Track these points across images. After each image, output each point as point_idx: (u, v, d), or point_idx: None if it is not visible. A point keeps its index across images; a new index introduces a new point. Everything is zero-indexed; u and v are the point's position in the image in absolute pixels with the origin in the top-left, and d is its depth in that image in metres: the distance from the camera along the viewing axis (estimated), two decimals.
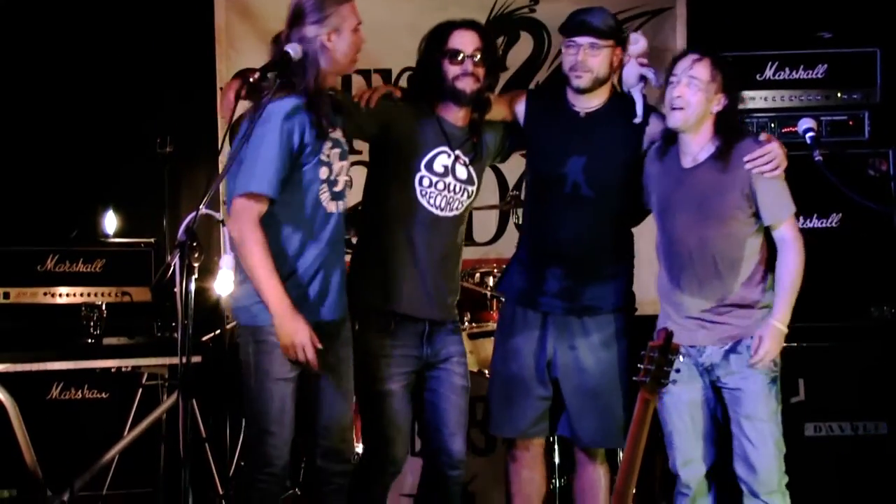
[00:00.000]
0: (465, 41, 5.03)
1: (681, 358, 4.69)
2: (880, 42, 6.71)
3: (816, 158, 4.70)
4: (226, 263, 4.58)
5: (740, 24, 7.48)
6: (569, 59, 5.14)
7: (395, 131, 5.04)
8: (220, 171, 4.48)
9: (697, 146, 4.93)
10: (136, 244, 6.97)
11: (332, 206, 4.73)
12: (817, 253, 4.94)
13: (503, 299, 5.90)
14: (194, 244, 4.20)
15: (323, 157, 4.67)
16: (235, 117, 4.90)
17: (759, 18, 7.53)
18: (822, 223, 6.35)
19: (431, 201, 5.06)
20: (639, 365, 4.54)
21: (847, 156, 6.27)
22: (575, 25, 5.12)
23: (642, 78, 5.20)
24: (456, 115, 5.13)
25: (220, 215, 5.77)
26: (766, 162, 4.80)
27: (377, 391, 5.06)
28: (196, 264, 4.22)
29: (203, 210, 4.22)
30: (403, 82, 6.95)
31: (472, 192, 5.18)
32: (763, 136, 4.91)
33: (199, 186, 7.59)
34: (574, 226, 5.18)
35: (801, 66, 6.67)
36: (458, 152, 5.12)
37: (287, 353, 4.58)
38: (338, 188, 4.76)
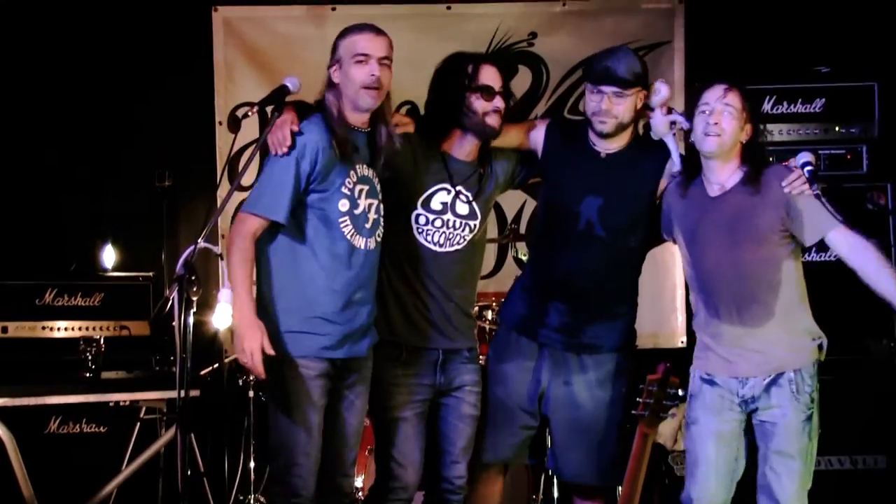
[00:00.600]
0: (493, 77, 5.04)
1: (679, 392, 4.70)
2: (878, 76, 6.75)
3: (815, 192, 4.69)
4: (224, 297, 4.59)
5: (738, 59, 7.50)
6: (592, 105, 5.10)
7: (396, 167, 5.03)
8: (219, 204, 4.50)
9: (726, 174, 4.91)
10: (134, 278, 6.97)
11: (358, 242, 4.76)
12: (816, 287, 4.93)
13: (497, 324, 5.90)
14: (193, 278, 4.21)
15: (344, 190, 4.71)
16: (235, 150, 4.93)
17: (758, 52, 7.55)
18: (820, 257, 6.35)
19: (429, 238, 5.06)
20: (637, 399, 4.54)
21: (845, 190, 6.28)
22: (600, 73, 5.06)
23: (672, 124, 5.15)
24: (466, 150, 5.13)
25: (218, 249, 5.78)
26: (803, 182, 4.76)
27: (390, 418, 5.07)
28: (194, 298, 4.24)
29: (201, 244, 4.24)
30: None
31: (475, 226, 5.16)
32: (793, 165, 4.86)
33: (198, 220, 7.60)
34: (583, 263, 5.15)
35: (800, 100, 6.70)
36: (459, 188, 5.11)
37: (239, 357, 4.61)
38: (368, 224, 4.79)
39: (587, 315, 5.17)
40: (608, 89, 5.03)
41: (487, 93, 5.00)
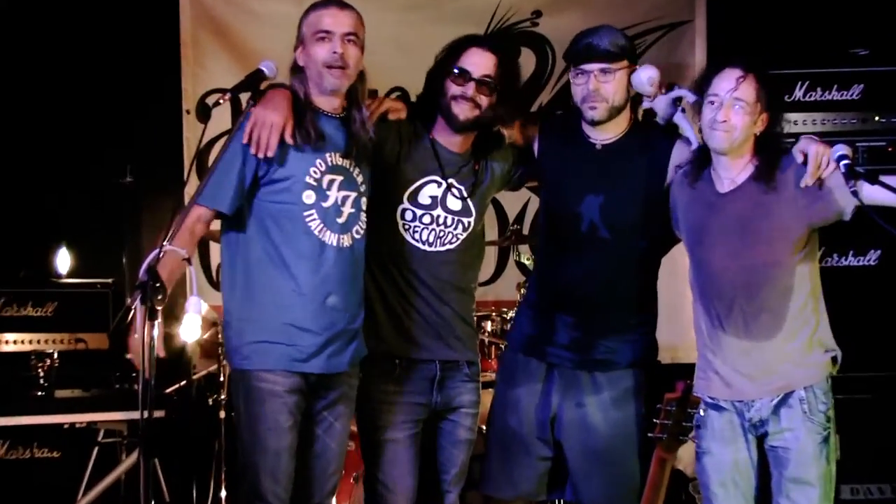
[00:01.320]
0: (476, 61, 4.99)
1: (702, 412, 4.69)
2: None
3: (851, 189, 4.67)
4: (192, 307, 4.57)
5: (766, 40, 7.51)
6: (579, 90, 5.10)
7: (383, 156, 5.03)
8: (186, 202, 4.49)
9: (737, 169, 4.88)
10: (91, 285, 6.98)
11: (329, 238, 4.73)
12: (854, 294, 4.93)
13: (503, 346, 5.88)
14: (157, 285, 4.20)
15: (309, 180, 4.69)
16: (204, 142, 4.94)
17: (788, 33, 7.57)
18: (858, 261, 6.36)
19: (417, 236, 5.04)
20: (654, 420, 4.54)
21: (885, 187, 6.27)
22: (581, 51, 5.08)
23: (676, 101, 5.12)
24: (455, 141, 5.10)
25: (185, 252, 5.78)
26: (818, 167, 4.72)
27: (379, 439, 5.04)
28: (159, 307, 4.22)
29: (167, 247, 4.23)
30: None
31: (470, 223, 5.12)
32: (799, 157, 4.79)
33: (163, 220, 7.53)
34: (589, 270, 5.12)
35: (835, 87, 6.71)
36: (451, 181, 5.09)
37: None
38: (340, 219, 4.76)
39: (598, 328, 5.14)
40: (593, 66, 5.02)
41: (459, 75, 4.96)
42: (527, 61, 8.00)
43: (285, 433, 4.68)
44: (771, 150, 4.86)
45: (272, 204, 4.69)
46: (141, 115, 7.77)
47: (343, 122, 4.83)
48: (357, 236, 4.82)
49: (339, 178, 4.77)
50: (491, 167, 5.22)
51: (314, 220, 4.70)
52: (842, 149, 4.79)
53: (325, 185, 4.72)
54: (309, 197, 4.69)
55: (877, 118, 6.62)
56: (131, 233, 7.32)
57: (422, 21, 7.69)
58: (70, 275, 7.25)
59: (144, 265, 4.18)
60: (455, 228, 5.09)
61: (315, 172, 4.70)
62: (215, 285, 7.94)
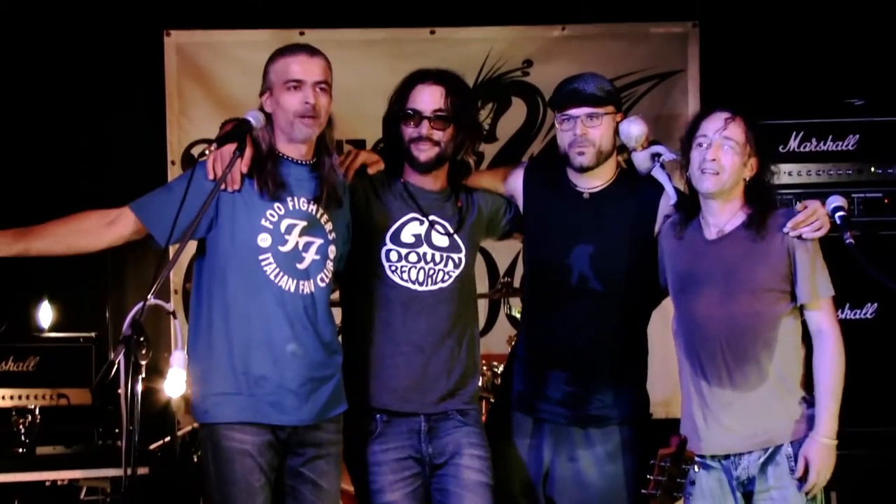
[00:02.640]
0: (425, 98, 4.98)
1: (696, 469, 4.68)
2: None
3: (847, 241, 4.63)
4: (177, 361, 4.57)
5: (760, 89, 7.54)
6: (566, 136, 5.09)
7: (357, 203, 5.00)
8: (171, 256, 4.49)
9: (726, 216, 4.88)
10: (74, 339, 6.95)
11: (286, 283, 4.68)
12: (851, 347, 4.90)
13: (492, 400, 5.86)
14: (141, 339, 4.19)
15: (266, 223, 4.67)
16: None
17: (782, 83, 7.60)
18: (855, 314, 6.37)
19: (405, 276, 4.97)
20: (648, 476, 4.53)
21: (882, 238, 6.29)
22: (567, 96, 5.08)
23: (654, 157, 5.13)
24: (423, 180, 5.06)
25: (170, 306, 5.75)
26: (810, 223, 4.75)
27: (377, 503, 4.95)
28: (143, 362, 4.21)
29: (151, 300, 4.23)
30: None
31: (461, 259, 5.06)
32: (799, 206, 4.84)
33: (147, 273, 7.58)
34: (580, 322, 5.11)
35: (830, 137, 6.72)
36: (433, 217, 5.04)
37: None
38: (301, 265, 4.72)
39: (591, 382, 5.11)
40: (579, 111, 5.02)
41: (413, 117, 4.95)
42: (518, 111, 8.05)
43: (257, 494, 4.63)
44: (763, 199, 4.87)
45: (227, 248, 4.67)
46: (126, 166, 7.78)
47: (312, 169, 4.80)
48: (321, 284, 4.76)
49: (301, 224, 4.72)
50: (477, 203, 5.20)
51: (270, 264, 4.67)
52: (837, 200, 4.81)
53: (283, 230, 4.68)
54: (264, 240, 4.66)
55: (872, 169, 6.63)
56: (114, 286, 7.31)
57: (410, 70, 7.72)
58: (52, 329, 7.24)
59: (128, 319, 4.18)
60: (445, 265, 5.03)
61: (272, 216, 4.67)
62: None
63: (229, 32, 8.00)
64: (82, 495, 6.54)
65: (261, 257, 4.65)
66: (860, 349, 5.07)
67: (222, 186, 4.58)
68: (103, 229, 4.70)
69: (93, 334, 7.01)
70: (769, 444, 4.79)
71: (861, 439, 5.99)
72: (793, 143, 6.67)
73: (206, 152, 4.52)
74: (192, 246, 5.04)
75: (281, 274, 4.68)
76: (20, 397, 6.70)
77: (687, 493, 4.74)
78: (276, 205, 4.68)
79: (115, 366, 4.23)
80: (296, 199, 4.73)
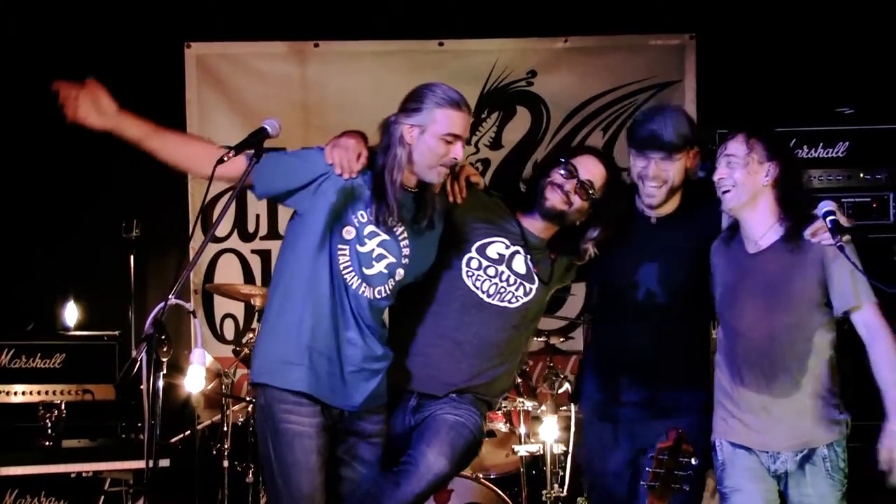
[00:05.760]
0: (588, 166, 4.99)
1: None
2: None
3: (837, 244, 4.67)
4: (197, 358, 4.58)
5: (754, 99, 7.55)
6: (638, 170, 5.06)
7: (457, 214, 5.02)
8: (191, 257, 4.51)
9: (760, 228, 4.84)
10: (98, 337, 6.96)
11: (353, 280, 4.71)
12: (846, 345, 4.89)
13: (528, 409, 5.92)
14: (163, 337, 4.20)
15: (355, 221, 4.70)
16: (209, 198, 4.96)
17: (775, 92, 7.61)
18: None
19: (478, 284, 4.99)
20: (647, 468, 4.53)
21: (871, 240, 6.27)
22: (645, 139, 5.03)
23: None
24: (533, 224, 5.08)
25: (190, 306, 5.77)
26: (825, 232, 4.67)
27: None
28: (165, 359, 4.22)
29: (172, 300, 4.24)
30: None
31: (532, 290, 5.07)
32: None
33: (168, 274, 7.61)
34: (648, 335, 5.13)
35: (821, 144, 6.73)
36: (519, 247, 5.06)
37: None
38: (369, 270, 4.74)
39: (662, 385, 5.12)
40: (655, 155, 5.00)
41: (566, 169, 4.97)
42: (523, 120, 8.06)
43: (316, 474, 4.67)
44: (796, 207, 4.82)
45: (318, 226, 4.69)
46: (148, 173, 7.76)
47: (414, 197, 4.82)
48: (377, 296, 4.78)
49: (382, 237, 4.75)
50: (557, 270, 5.17)
51: (344, 255, 4.71)
52: (828, 205, 4.79)
53: (365, 233, 4.72)
54: (349, 233, 4.70)
55: (861, 175, 6.64)
56: (137, 286, 7.32)
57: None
58: (77, 327, 7.26)
59: (150, 318, 4.19)
60: (517, 290, 5.05)
61: (362, 217, 4.71)
62: (220, 337, 7.98)
63: (247, 44, 8.02)
64: (106, 486, 6.53)
65: (339, 247, 4.69)
66: (854, 347, 5.06)
67: (338, 171, 4.65)
68: (213, 162, 4.51)
69: (116, 333, 7.02)
70: (805, 446, 4.78)
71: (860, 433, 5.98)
72: None
73: (225, 158, 4.51)
74: (210, 249, 5.06)
75: (350, 269, 4.71)
76: (47, 393, 6.71)
77: (723, 475, 4.86)
78: (370, 209, 4.71)
79: (138, 363, 4.24)
80: (390, 217, 4.74)
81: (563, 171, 4.96)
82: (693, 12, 8.01)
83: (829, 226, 4.67)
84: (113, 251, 7.28)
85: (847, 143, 6.67)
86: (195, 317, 4.90)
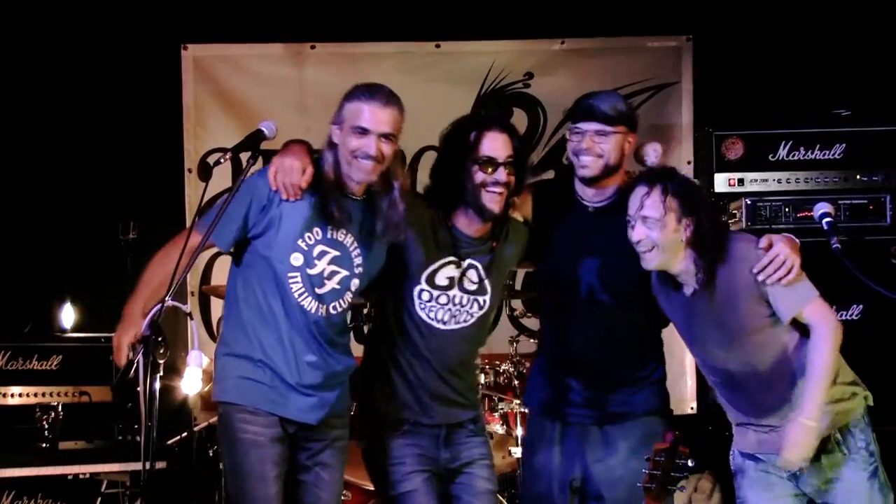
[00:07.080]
0: (497, 146, 4.91)
1: (690, 462, 4.69)
2: None
3: (834, 246, 4.61)
4: (193, 360, 4.59)
5: (751, 100, 7.55)
6: (573, 144, 5.06)
7: (406, 236, 4.98)
8: (188, 258, 4.50)
9: (687, 275, 4.82)
10: (95, 339, 6.94)
11: (308, 303, 4.72)
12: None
13: (525, 410, 5.92)
14: (159, 339, 4.21)
15: (301, 244, 4.68)
16: (205, 200, 4.95)
17: (772, 94, 7.61)
18: (842, 316, 6.35)
19: (431, 315, 5.00)
20: (644, 470, 4.53)
21: (868, 242, 6.27)
22: (581, 110, 5.06)
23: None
24: (473, 227, 5.03)
25: (187, 308, 5.78)
26: (776, 269, 4.66)
27: (397, 495, 5.00)
28: (161, 361, 4.24)
29: (169, 302, 4.24)
30: None
31: (485, 301, 5.08)
32: (763, 242, 4.74)
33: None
34: (594, 333, 5.11)
35: (818, 146, 6.72)
36: (469, 262, 5.04)
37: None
38: (321, 290, 4.74)
39: (611, 385, 5.13)
40: (590, 126, 5.00)
41: (488, 164, 4.89)
42: (519, 122, 8.03)
43: (270, 484, 4.67)
44: (706, 252, 4.77)
45: (266, 254, 4.69)
46: (145, 174, 7.79)
47: (363, 204, 4.82)
48: (333, 311, 4.80)
49: (334, 254, 4.75)
50: (506, 252, 5.17)
51: (297, 282, 4.70)
52: (824, 207, 4.80)
53: (315, 254, 4.72)
54: (296, 259, 4.69)
55: (858, 176, 6.63)
56: (134, 289, 7.31)
57: (417, 83, 7.75)
58: (74, 329, 7.23)
59: (147, 320, 4.19)
60: (471, 307, 5.06)
61: (309, 239, 4.70)
62: (216, 339, 7.94)
63: (244, 46, 8.00)
64: (103, 488, 6.53)
65: (290, 275, 4.69)
66: (847, 350, 5.05)
67: (284, 196, 4.63)
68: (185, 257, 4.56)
69: (113, 334, 7.00)
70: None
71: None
72: (782, 152, 6.68)
73: (221, 160, 4.51)
74: (207, 251, 5.06)
75: (304, 294, 4.71)
76: (44, 394, 6.70)
77: (737, 485, 4.90)
78: (316, 229, 4.70)
79: (135, 365, 4.23)
80: (337, 230, 4.75)
81: (487, 169, 4.88)
82: (690, 14, 8.00)
83: (826, 227, 4.68)
84: (110, 253, 7.25)
85: (844, 145, 6.66)
86: (192, 319, 4.91)
